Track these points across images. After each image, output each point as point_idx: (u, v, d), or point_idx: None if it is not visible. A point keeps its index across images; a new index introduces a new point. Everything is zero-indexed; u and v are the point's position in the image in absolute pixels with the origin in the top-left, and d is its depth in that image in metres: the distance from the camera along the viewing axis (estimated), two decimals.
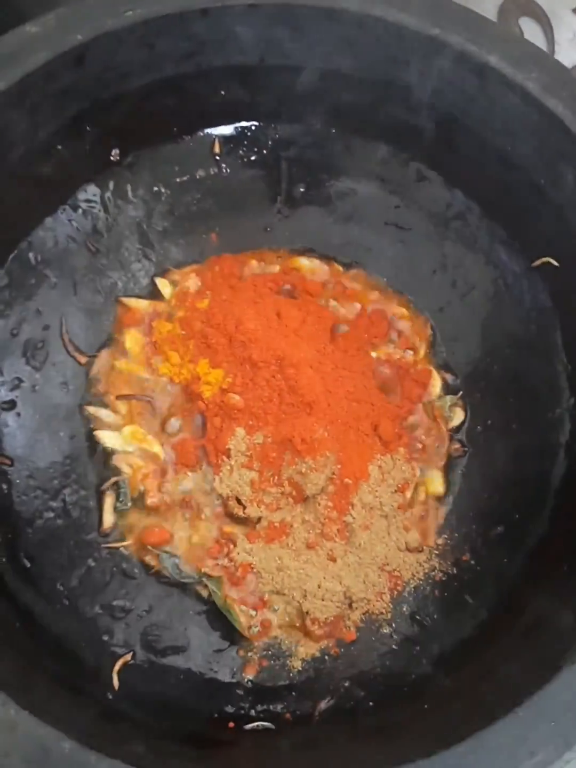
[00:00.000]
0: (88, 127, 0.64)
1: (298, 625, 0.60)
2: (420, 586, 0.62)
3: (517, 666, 0.49)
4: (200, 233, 0.73)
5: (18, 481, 0.61)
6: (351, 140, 0.72)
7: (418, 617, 0.61)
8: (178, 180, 0.72)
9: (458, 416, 0.68)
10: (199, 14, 0.62)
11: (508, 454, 0.65)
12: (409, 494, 0.64)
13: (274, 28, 0.64)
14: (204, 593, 0.61)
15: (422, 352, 0.71)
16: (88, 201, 0.68)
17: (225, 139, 0.72)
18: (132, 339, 0.68)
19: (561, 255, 0.63)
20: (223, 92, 0.69)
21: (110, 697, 0.53)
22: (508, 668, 0.49)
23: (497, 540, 0.62)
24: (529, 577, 0.58)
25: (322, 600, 0.59)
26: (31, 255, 0.65)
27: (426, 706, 0.52)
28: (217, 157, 0.72)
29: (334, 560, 0.61)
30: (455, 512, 0.65)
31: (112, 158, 0.68)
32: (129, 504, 0.63)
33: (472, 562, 0.62)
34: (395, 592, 0.62)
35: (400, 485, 0.64)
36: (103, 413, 0.65)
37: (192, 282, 0.71)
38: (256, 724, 0.55)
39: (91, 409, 0.65)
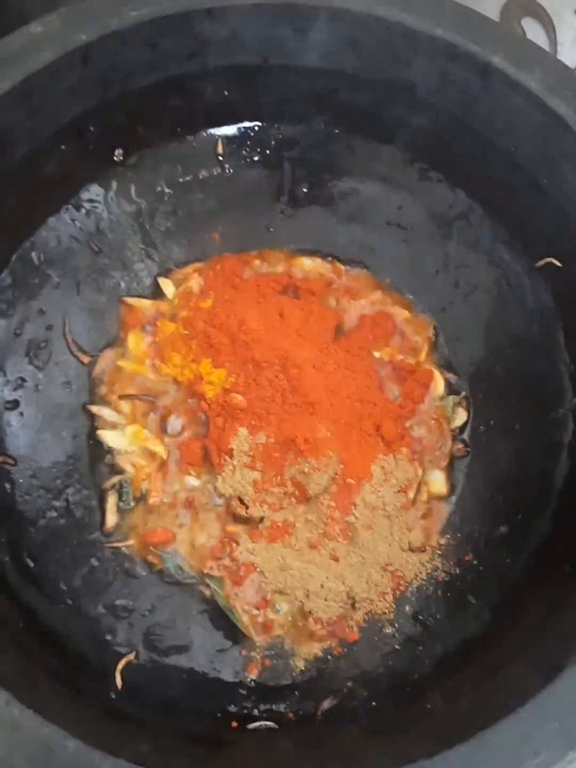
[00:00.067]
0: (91, 127, 0.65)
1: (300, 624, 0.60)
2: (423, 586, 0.62)
3: (520, 666, 0.49)
4: (203, 233, 0.73)
5: (21, 480, 0.61)
6: (354, 140, 0.72)
7: (420, 617, 0.61)
8: (181, 180, 0.72)
9: (461, 416, 0.68)
10: (203, 14, 0.62)
11: (511, 454, 0.65)
12: (411, 494, 0.64)
13: (277, 28, 0.64)
14: (207, 593, 0.61)
15: (425, 352, 0.70)
16: (91, 201, 0.68)
17: (228, 139, 0.72)
18: (135, 339, 0.68)
19: (563, 255, 0.63)
20: (226, 92, 0.69)
21: (113, 696, 0.53)
22: (511, 668, 0.49)
23: (500, 540, 0.62)
24: (532, 577, 0.58)
25: (325, 600, 0.59)
26: (34, 255, 0.65)
27: (429, 706, 0.52)
28: (221, 157, 0.72)
29: (336, 560, 0.61)
30: (458, 512, 0.65)
31: (115, 158, 0.68)
32: (132, 504, 0.63)
33: (475, 562, 0.62)
34: (398, 592, 0.62)
35: (402, 485, 0.64)
36: (106, 413, 0.66)
37: (195, 282, 0.71)
38: (259, 723, 0.55)
39: (94, 409, 0.66)
